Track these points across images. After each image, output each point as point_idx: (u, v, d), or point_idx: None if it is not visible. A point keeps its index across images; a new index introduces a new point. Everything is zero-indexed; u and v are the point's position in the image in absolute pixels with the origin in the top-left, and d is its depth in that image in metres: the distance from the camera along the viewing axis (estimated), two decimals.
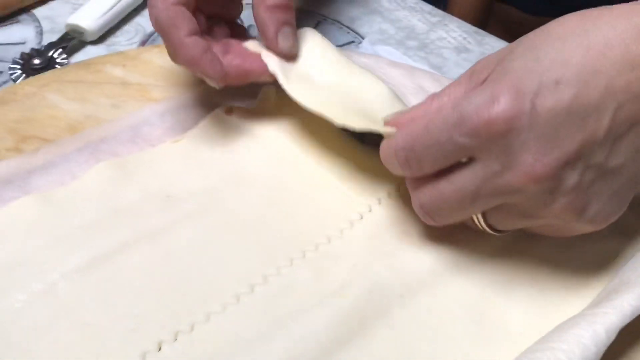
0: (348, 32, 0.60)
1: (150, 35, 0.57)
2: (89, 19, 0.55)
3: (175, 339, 0.35)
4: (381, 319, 0.37)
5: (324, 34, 0.58)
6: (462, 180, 0.35)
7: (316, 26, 0.60)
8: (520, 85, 0.33)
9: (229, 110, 0.47)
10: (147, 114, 0.47)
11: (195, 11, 0.43)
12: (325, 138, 0.46)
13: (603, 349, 0.32)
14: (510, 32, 0.37)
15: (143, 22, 0.58)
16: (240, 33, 0.49)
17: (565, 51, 0.33)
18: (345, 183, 0.44)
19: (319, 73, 0.45)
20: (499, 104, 0.33)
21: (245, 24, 0.59)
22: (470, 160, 0.35)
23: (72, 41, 0.54)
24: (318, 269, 0.39)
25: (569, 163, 0.33)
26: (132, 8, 0.58)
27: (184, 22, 0.41)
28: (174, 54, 0.42)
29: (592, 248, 0.41)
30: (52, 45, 0.53)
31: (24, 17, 0.57)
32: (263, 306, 0.37)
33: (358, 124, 0.40)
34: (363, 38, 0.59)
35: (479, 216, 0.37)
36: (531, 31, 0.36)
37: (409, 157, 0.36)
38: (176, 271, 0.38)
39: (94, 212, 0.40)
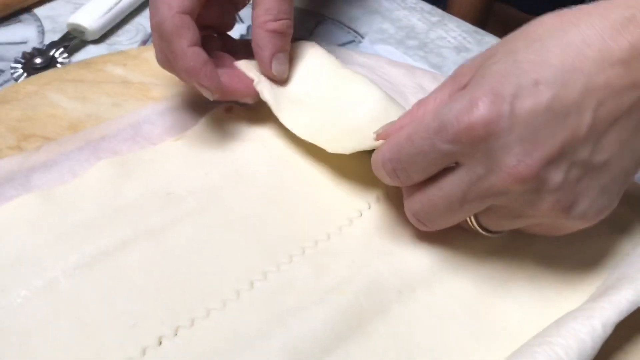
0: (348, 32, 0.60)
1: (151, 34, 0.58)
2: (90, 18, 0.55)
3: (176, 334, 0.35)
4: (380, 316, 0.37)
5: (324, 33, 0.59)
6: (449, 185, 0.36)
7: (316, 26, 0.60)
8: (499, 88, 0.33)
9: (229, 109, 0.47)
10: (148, 112, 0.47)
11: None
12: None
13: (600, 342, 0.33)
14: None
15: (144, 22, 0.59)
16: (230, 45, 0.49)
17: (543, 52, 0.33)
18: (344, 181, 0.44)
19: (311, 94, 0.46)
20: (478, 109, 0.33)
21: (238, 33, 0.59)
22: (457, 165, 0.35)
23: (73, 40, 0.55)
24: (317, 266, 0.39)
25: (551, 162, 0.33)
26: (133, 8, 0.59)
27: (188, 32, 0.41)
28: (173, 62, 0.42)
29: (589, 245, 0.41)
30: (54, 45, 0.54)
31: (25, 16, 0.58)
32: (262, 302, 0.37)
33: (349, 145, 0.41)
34: (363, 37, 0.60)
35: (472, 219, 0.38)
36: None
37: (395, 167, 0.37)
38: (176, 268, 0.38)
39: (94, 210, 0.40)
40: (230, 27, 0.50)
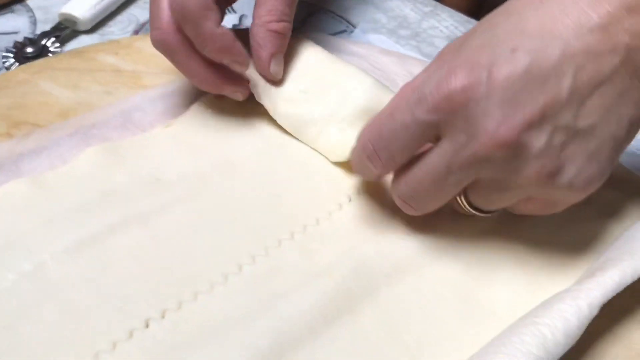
0: (340, 21, 0.60)
1: (144, 24, 0.58)
2: (82, 8, 0.55)
3: (163, 317, 0.35)
4: (368, 299, 0.37)
5: (316, 23, 0.59)
6: (432, 160, 0.36)
7: (309, 15, 0.60)
8: (476, 57, 0.33)
9: (220, 96, 0.47)
10: (139, 100, 0.47)
11: None
12: None
13: (586, 322, 0.33)
14: None
15: (137, 12, 0.59)
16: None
17: (520, 22, 0.34)
18: (334, 167, 0.44)
19: (305, 91, 0.46)
20: (456, 77, 0.33)
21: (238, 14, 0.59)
22: (439, 140, 0.35)
23: (65, 31, 0.55)
24: (306, 250, 0.39)
25: (533, 125, 0.33)
26: None
27: (212, 13, 0.41)
28: (201, 44, 0.42)
29: (579, 229, 0.41)
30: (45, 35, 0.54)
31: (17, 7, 0.58)
32: (251, 285, 0.37)
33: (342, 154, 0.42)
34: (355, 27, 0.60)
35: (462, 199, 0.38)
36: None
37: (377, 147, 0.37)
38: (165, 253, 0.38)
39: (83, 195, 0.40)
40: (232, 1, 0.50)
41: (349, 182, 0.43)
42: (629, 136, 0.36)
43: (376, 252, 0.39)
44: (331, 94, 0.45)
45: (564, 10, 0.33)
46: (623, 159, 0.46)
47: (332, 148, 0.44)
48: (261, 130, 0.46)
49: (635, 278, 0.34)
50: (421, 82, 0.35)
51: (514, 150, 0.33)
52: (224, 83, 0.45)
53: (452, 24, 0.61)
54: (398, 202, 0.39)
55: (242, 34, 0.45)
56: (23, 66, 0.49)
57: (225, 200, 0.42)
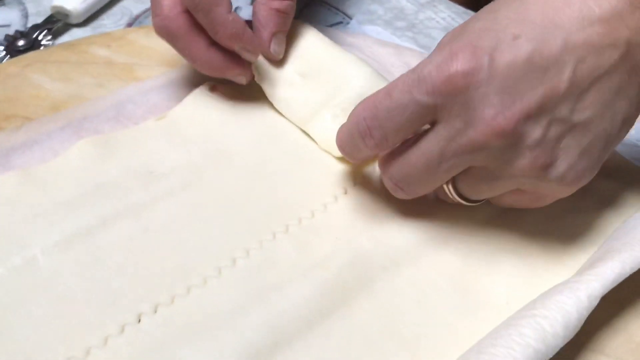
0: (336, 13, 0.59)
1: (137, 17, 0.57)
2: (74, 1, 0.54)
3: (155, 311, 0.35)
4: (364, 291, 0.37)
5: (312, 14, 0.58)
6: (427, 143, 0.35)
7: (305, 7, 0.59)
8: (478, 42, 0.33)
9: (213, 88, 0.47)
10: (131, 92, 0.47)
11: None
12: None
13: (585, 314, 0.32)
14: None
15: (129, 5, 0.58)
16: None
17: (523, 9, 0.34)
18: (328, 159, 0.44)
19: (304, 75, 0.46)
20: (457, 60, 0.33)
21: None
22: (434, 124, 0.35)
23: (57, 23, 0.54)
24: (301, 243, 0.39)
25: (531, 116, 0.33)
26: None
27: (223, 0, 0.41)
28: (213, 30, 0.42)
29: (578, 219, 0.41)
30: (37, 27, 0.53)
31: (9, 0, 0.57)
32: (244, 279, 0.37)
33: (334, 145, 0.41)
34: (351, 18, 0.59)
35: (450, 187, 0.37)
36: None
37: (371, 125, 0.36)
38: (157, 246, 0.38)
39: (75, 188, 0.40)
40: None
41: (344, 174, 0.43)
42: (620, 134, 0.35)
43: (372, 244, 0.39)
44: (329, 79, 0.45)
45: (567, 2, 0.33)
46: (622, 150, 0.46)
47: (323, 134, 0.43)
48: (255, 122, 0.45)
49: (635, 269, 0.34)
50: (422, 64, 0.35)
51: (509, 140, 0.33)
52: (227, 66, 0.44)
53: (449, 15, 0.60)
54: (388, 185, 0.38)
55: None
56: (14, 59, 0.49)
57: (219, 193, 0.41)
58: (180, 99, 0.46)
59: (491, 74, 0.32)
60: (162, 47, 0.50)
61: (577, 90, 0.33)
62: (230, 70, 0.44)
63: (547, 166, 0.34)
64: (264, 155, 0.44)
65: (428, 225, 0.40)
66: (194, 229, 0.39)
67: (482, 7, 0.37)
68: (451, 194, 0.37)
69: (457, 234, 0.40)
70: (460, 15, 0.60)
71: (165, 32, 0.43)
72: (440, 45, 0.36)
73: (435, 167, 0.35)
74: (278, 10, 0.44)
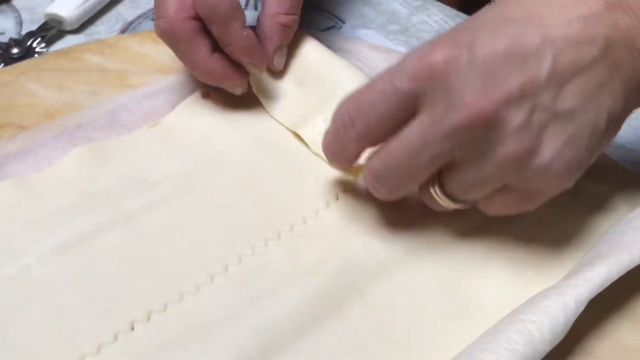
0: (329, 17, 0.60)
1: (131, 23, 0.57)
2: (68, 8, 0.55)
3: (148, 319, 0.35)
4: (355, 297, 0.37)
5: (305, 19, 0.58)
6: (409, 132, 0.35)
7: None
8: (458, 36, 0.34)
9: (206, 95, 0.47)
10: (125, 100, 0.47)
11: None
12: None
13: (572, 319, 0.32)
14: None
15: (123, 11, 0.58)
16: None
17: (504, 12, 0.35)
18: (321, 165, 0.44)
19: (301, 84, 0.47)
20: (437, 50, 0.34)
21: None
22: (416, 115, 0.35)
23: (51, 31, 0.54)
24: (293, 249, 0.39)
25: (512, 100, 0.33)
26: None
27: (240, 14, 0.42)
28: (228, 44, 0.43)
29: (567, 224, 0.41)
30: (31, 35, 0.53)
31: (3, 7, 0.57)
32: (237, 286, 0.37)
33: None
34: (344, 23, 0.59)
35: (436, 188, 0.37)
36: None
37: (354, 117, 0.36)
38: (150, 253, 0.38)
39: (69, 196, 0.40)
40: None
41: (336, 181, 0.43)
42: (608, 129, 0.36)
43: (363, 250, 0.39)
44: (324, 85, 0.46)
45: (548, 6, 0.34)
46: (611, 152, 0.46)
47: (315, 137, 0.44)
48: (247, 130, 0.46)
49: (622, 273, 0.34)
50: (403, 58, 0.36)
51: (491, 123, 0.33)
52: (226, 76, 0.45)
53: (441, 18, 0.61)
54: (370, 182, 0.38)
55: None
56: (8, 67, 0.49)
57: (212, 200, 0.41)
58: (173, 105, 0.47)
59: (471, 61, 0.33)
60: (156, 54, 0.51)
61: (558, 80, 0.33)
62: (229, 80, 0.45)
63: (531, 153, 0.34)
64: (256, 161, 0.44)
65: (418, 230, 0.40)
66: (187, 236, 0.39)
67: (474, 9, 0.37)
68: (437, 195, 0.37)
69: (447, 239, 0.40)
70: (452, 18, 0.61)
71: (168, 35, 0.43)
72: (422, 44, 0.36)
73: (416, 157, 0.35)
74: (284, 25, 0.45)
